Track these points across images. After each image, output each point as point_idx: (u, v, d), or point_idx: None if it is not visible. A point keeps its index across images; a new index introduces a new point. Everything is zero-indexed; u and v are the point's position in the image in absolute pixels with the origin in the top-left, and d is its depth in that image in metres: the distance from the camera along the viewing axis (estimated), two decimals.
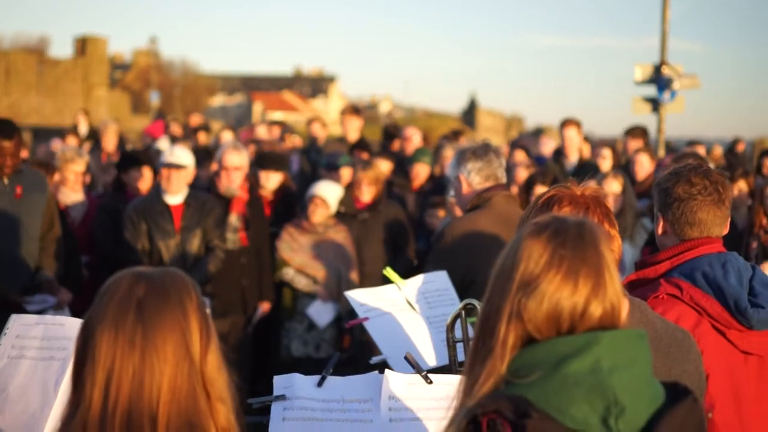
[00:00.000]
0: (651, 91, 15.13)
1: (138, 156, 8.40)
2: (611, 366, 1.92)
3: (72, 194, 7.95)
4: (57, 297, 6.64)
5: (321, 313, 7.42)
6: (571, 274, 1.97)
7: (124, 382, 1.94)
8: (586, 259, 1.99)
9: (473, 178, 5.01)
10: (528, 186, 7.69)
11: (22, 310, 6.34)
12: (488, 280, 2.10)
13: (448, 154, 10.01)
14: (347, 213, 7.85)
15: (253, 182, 8.00)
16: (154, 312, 1.98)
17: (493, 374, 1.98)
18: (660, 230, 3.53)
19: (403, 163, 9.87)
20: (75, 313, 5.62)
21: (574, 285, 1.97)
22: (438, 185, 9.43)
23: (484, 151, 5.02)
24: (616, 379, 1.91)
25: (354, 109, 11.45)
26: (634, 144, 10.64)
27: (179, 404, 1.96)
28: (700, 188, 3.43)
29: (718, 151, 18.21)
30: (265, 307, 7.52)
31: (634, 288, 3.34)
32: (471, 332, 3.57)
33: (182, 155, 6.87)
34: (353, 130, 10.93)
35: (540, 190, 7.18)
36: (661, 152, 14.38)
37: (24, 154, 8.38)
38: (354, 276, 7.50)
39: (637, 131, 11.10)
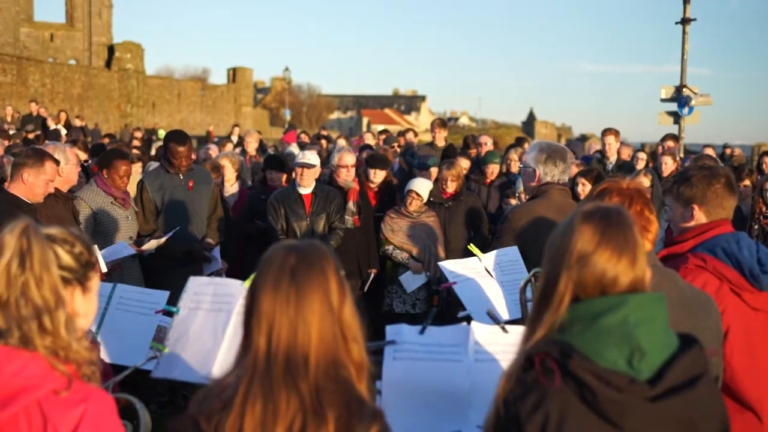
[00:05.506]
0: (673, 106, 14.89)
1: (279, 159, 8.51)
2: (636, 320, 1.94)
3: (229, 188, 8.13)
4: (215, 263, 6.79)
5: (410, 280, 7.38)
6: (617, 250, 2.00)
7: (283, 331, 1.96)
8: (627, 239, 2.02)
9: (545, 175, 4.79)
10: (574, 179, 7.68)
11: (199, 269, 6.53)
12: (543, 254, 2.11)
13: (514, 156, 9.94)
14: (436, 201, 7.81)
15: (363, 177, 8.04)
16: (303, 277, 1.99)
17: (548, 325, 2.01)
18: (692, 215, 3.38)
19: (478, 163, 9.80)
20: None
21: (618, 258, 2.00)
22: (507, 180, 9.35)
23: (560, 156, 4.79)
24: (640, 330, 1.93)
25: (442, 122, 11.48)
26: (669, 145, 10.79)
27: (325, 347, 1.98)
28: (725, 182, 3.34)
29: (738, 152, 18.64)
30: (373, 273, 7.54)
31: (665, 261, 3.26)
32: None
33: (312, 157, 6.93)
34: (441, 138, 11.08)
35: (582, 182, 7.56)
36: (681, 155, 14.09)
37: (193, 156, 8.57)
38: (441, 251, 7.44)
39: (668, 137, 11.09)
